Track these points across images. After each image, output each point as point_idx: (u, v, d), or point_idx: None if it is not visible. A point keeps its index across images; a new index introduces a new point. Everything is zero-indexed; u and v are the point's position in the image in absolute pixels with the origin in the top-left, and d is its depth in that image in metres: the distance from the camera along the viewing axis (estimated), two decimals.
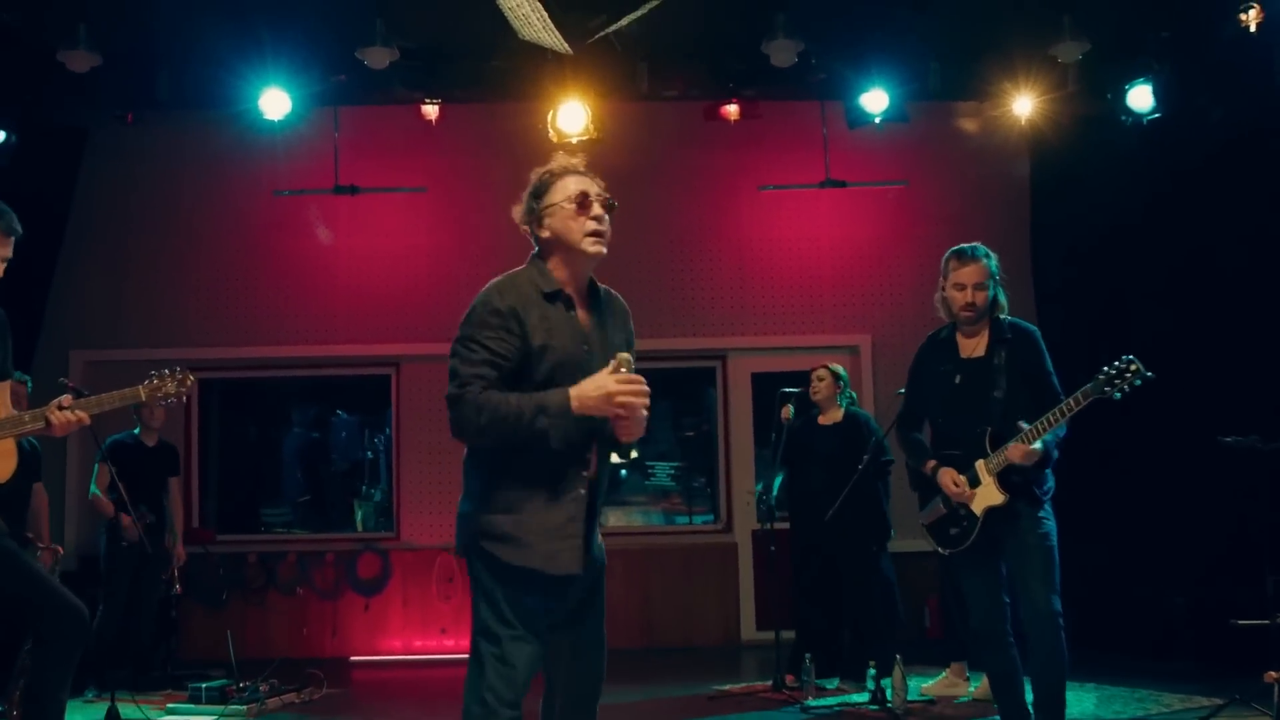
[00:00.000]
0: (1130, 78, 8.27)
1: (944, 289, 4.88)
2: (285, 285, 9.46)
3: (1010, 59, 8.31)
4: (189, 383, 4.67)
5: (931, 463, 4.79)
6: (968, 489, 4.67)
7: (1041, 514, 4.64)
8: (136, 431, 7.74)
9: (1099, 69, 8.24)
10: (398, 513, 9.57)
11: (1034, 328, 4.89)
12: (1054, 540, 4.61)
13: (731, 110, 8.71)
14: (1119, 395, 4.38)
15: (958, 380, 4.79)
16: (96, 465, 7.60)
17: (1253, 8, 7.43)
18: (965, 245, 4.90)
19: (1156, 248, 8.42)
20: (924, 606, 9.09)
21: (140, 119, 8.56)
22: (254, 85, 7.97)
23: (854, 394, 7.72)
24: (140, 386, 4.61)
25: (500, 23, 7.02)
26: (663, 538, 9.70)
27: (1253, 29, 7.46)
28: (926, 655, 7.71)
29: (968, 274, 4.77)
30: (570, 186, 3.27)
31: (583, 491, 3.19)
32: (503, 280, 3.24)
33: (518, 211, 3.35)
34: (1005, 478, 4.62)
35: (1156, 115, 8.29)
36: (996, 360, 4.75)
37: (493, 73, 8.25)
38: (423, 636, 9.34)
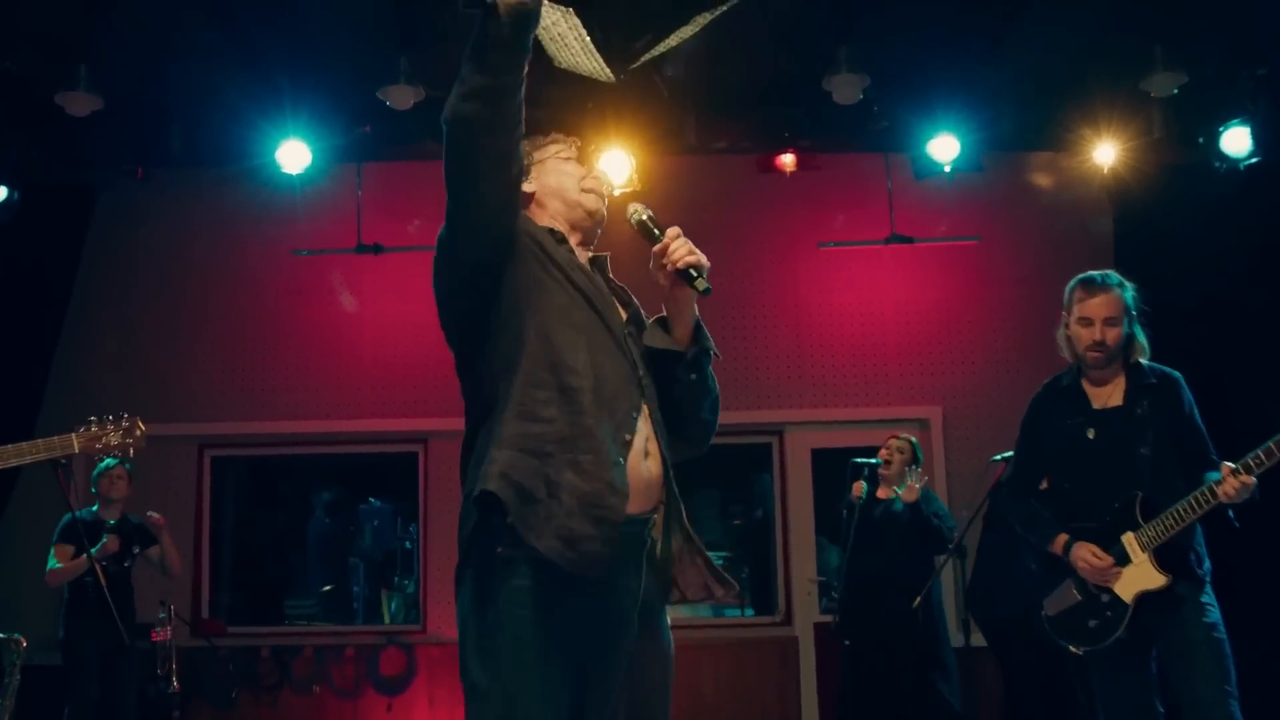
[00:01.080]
0: (1224, 120, 7.58)
1: (1067, 324, 4.13)
2: (305, 354, 8.76)
3: (1091, 102, 7.66)
4: (139, 432, 3.94)
5: (1062, 537, 3.96)
6: (1114, 567, 3.83)
7: (1205, 599, 3.80)
8: (95, 508, 6.99)
9: (1189, 111, 7.56)
10: (424, 604, 8.77)
11: (1177, 373, 4.08)
12: (1224, 632, 3.76)
13: (787, 161, 8.06)
14: None
15: (1091, 435, 3.99)
16: (53, 547, 6.84)
17: None
18: (1095, 272, 4.19)
19: (1258, 308, 7.64)
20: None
21: (150, 175, 8.04)
22: (272, 138, 7.47)
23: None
24: (73, 434, 3.87)
25: (536, 66, 6.43)
26: (714, 631, 8.82)
27: None
28: None
29: (1097, 306, 4.02)
30: (562, 144, 3.05)
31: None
32: None
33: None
34: (1163, 554, 3.78)
35: (1254, 160, 7.56)
36: (1139, 410, 3.95)
37: (529, 121, 7.61)
38: None
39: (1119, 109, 7.60)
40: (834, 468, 7.51)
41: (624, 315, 2.82)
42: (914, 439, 6.90)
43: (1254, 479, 3.66)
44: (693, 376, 2.80)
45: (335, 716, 8.51)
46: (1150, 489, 3.84)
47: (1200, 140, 7.77)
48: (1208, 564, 3.87)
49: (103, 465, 7.02)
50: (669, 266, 2.70)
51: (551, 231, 2.84)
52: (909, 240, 8.54)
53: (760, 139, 8.07)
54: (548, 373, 2.60)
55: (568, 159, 3.00)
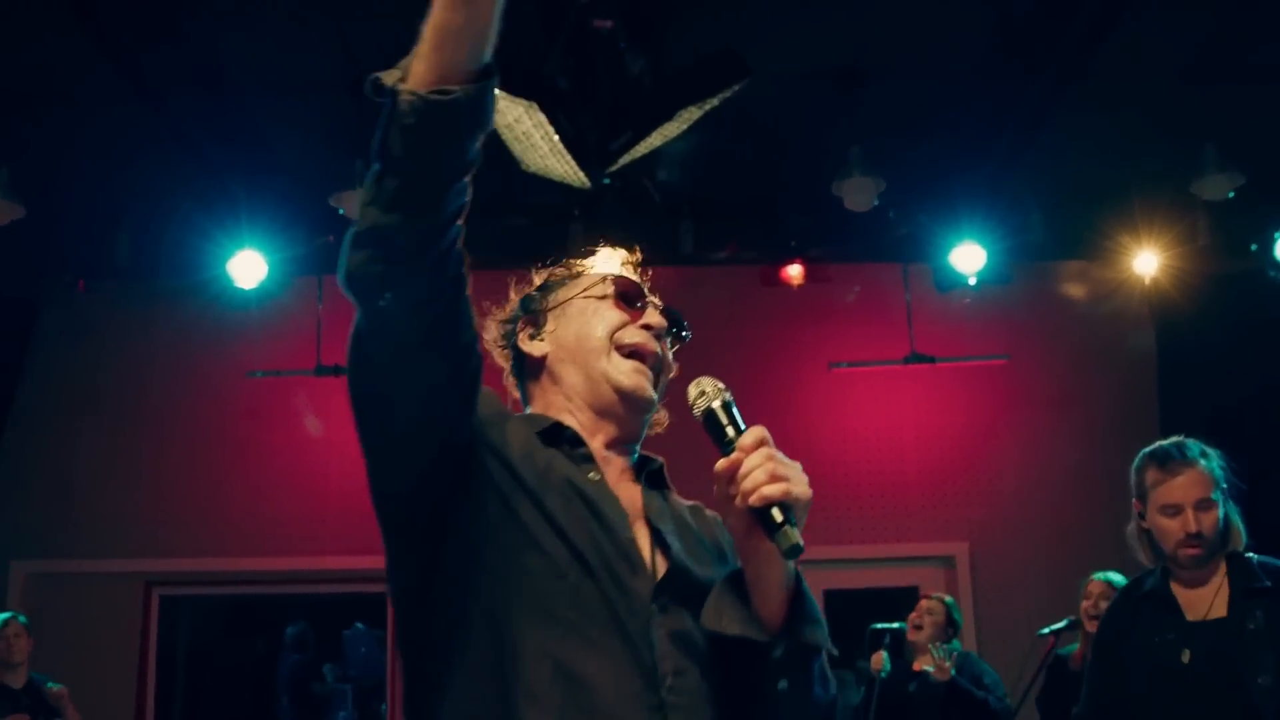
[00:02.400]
0: (1278, 224, 6.87)
1: (1143, 516, 3.26)
2: (265, 483, 7.95)
3: (1130, 207, 6.98)
4: None
5: None
6: None
7: None
8: None
9: (1239, 216, 6.88)
10: None
11: None
12: None
13: (794, 273, 7.34)
14: None
15: (1186, 658, 3.07)
16: None
17: None
18: (1165, 444, 3.28)
19: None
20: None
21: (95, 288, 7.36)
22: (225, 248, 6.84)
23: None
24: None
25: (511, 172, 5.79)
26: None
27: None
28: None
29: (1183, 488, 3.16)
30: (601, 268, 2.04)
31: None
32: None
33: (493, 324, 2.04)
34: None
35: None
36: (1251, 623, 3.03)
37: (508, 232, 6.97)
38: None
39: (1161, 214, 6.98)
40: (850, 611, 6.68)
41: (662, 570, 1.74)
42: (950, 598, 6.04)
43: None
44: (783, 684, 1.69)
45: None
46: None
47: (1253, 247, 7.07)
48: None
49: None
50: (739, 499, 1.65)
51: (553, 429, 1.86)
52: (930, 359, 7.73)
53: (764, 248, 7.41)
54: (493, 697, 1.62)
55: (604, 297, 1.96)
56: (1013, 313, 7.77)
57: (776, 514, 1.62)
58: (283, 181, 6.72)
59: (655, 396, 1.93)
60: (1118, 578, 5.54)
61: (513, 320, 2.03)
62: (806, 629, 1.71)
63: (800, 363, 8.13)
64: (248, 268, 6.81)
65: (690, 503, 2.01)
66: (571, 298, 1.98)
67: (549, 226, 6.77)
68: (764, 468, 1.64)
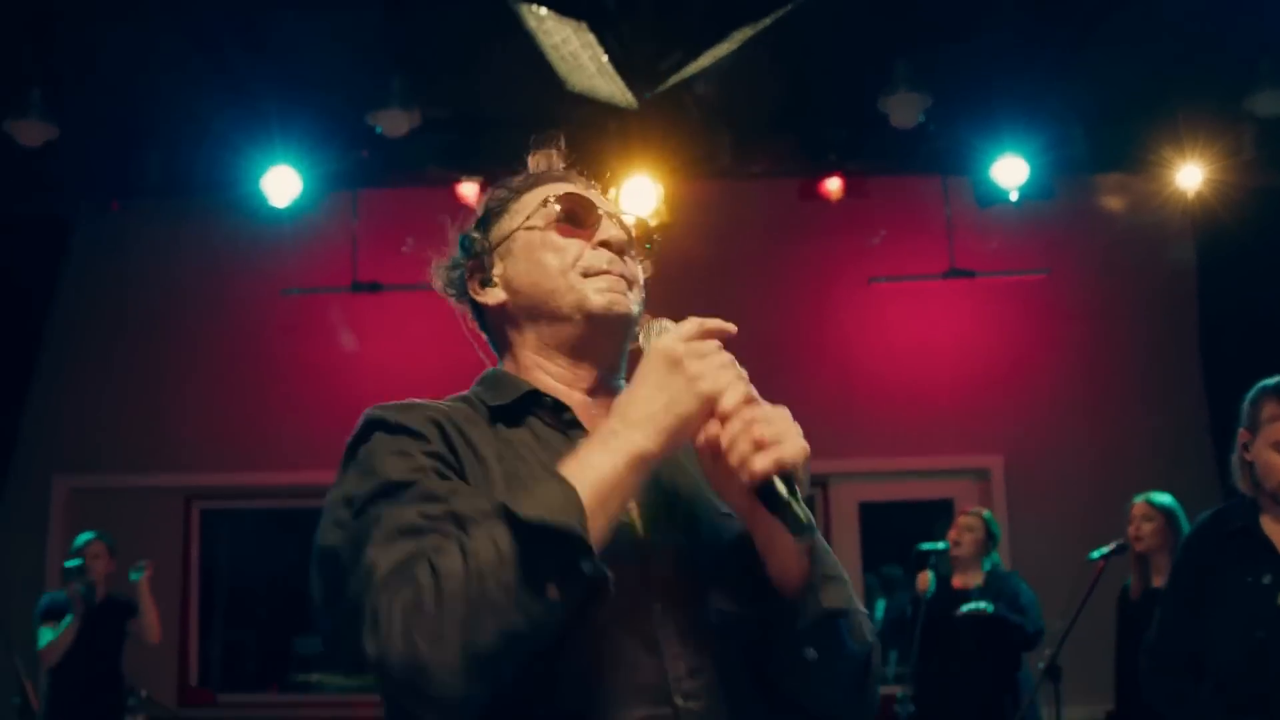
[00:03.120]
0: None
1: (1247, 448, 3.19)
2: (301, 399, 7.95)
3: (1174, 119, 6.81)
4: None
5: None
6: None
7: None
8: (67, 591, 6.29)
9: None
10: None
11: None
12: None
13: (833, 187, 7.20)
14: None
15: None
16: (39, 628, 6.17)
17: None
18: None
19: None
20: None
21: (128, 206, 7.30)
22: (258, 165, 6.70)
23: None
24: None
25: (551, 83, 5.69)
26: None
27: None
28: None
29: None
30: (540, 186, 1.79)
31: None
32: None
33: (438, 271, 1.90)
34: None
35: None
36: None
37: (544, 143, 6.86)
38: None
39: (1205, 127, 6.77)
40: (884, 522, 6.68)
41: (661, 548, 1.55)
42: (987, 512, 6.03)
43: None
44: (810, 654, 1.52)
45: None
46: None
47: None
48: None
49: (80, 541, 6.34)
50: (737, 475, 1.44)
51: (526, 400, 1.66)
52: (970, 274, 7.65)
53: (803, 161, 7.22)
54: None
55: (549, 225, 1.73)
56: (1052, 227, 7.65)
57: (779, 487, 1.41)
58: (316, 96, 6.59)
59: (634, 311, 1.69)
60: (1162, 498, 5.50)
61: (456, 266, 1.84)
62: (830, 589, 1.54)
63: (839, 277, 8.06)
64: (281, 184, 6.70)
65: None
66: (514, 231, 1.75)
67: (585, 142, 6.67)
68: (744, 436, 1.42)
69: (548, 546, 1.34)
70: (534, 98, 6.15)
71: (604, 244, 1.72)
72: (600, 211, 1.75)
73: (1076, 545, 5.81)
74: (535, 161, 1.88)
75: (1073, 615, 4.85)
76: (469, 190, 6.98)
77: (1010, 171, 6.83)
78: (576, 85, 5.01)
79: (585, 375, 1.70)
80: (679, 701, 1.45)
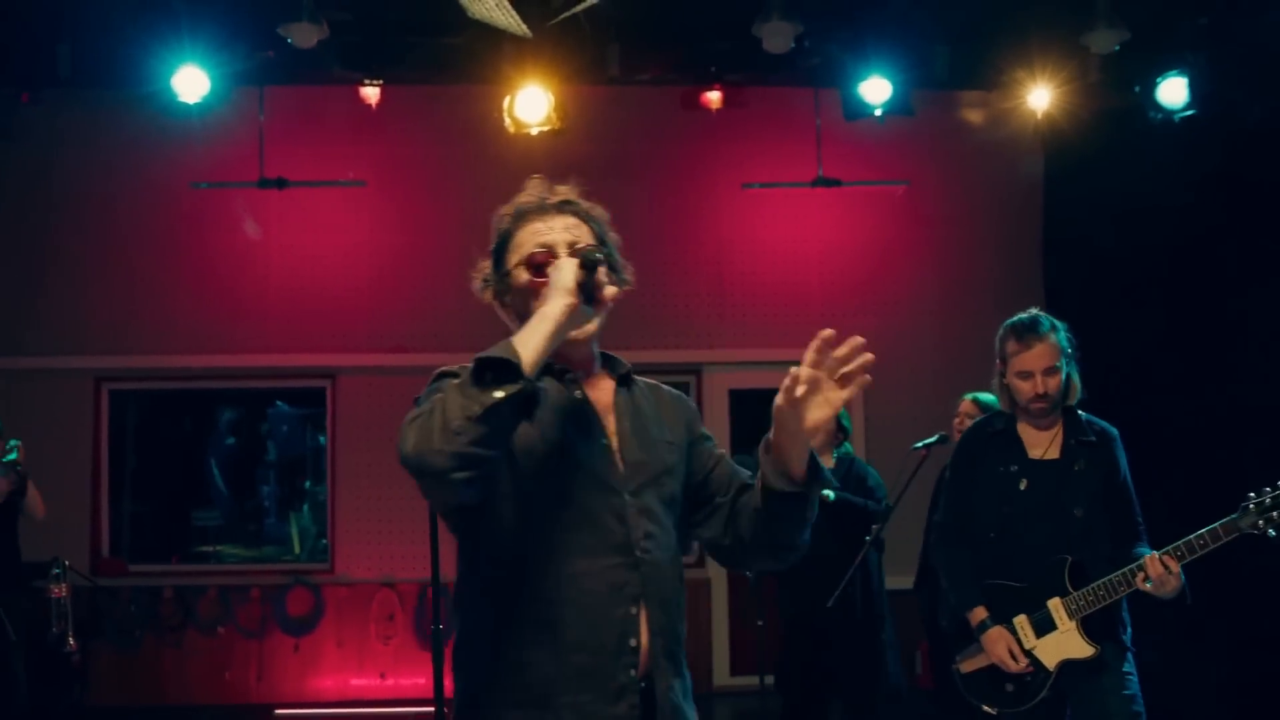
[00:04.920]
0: (1161, 69, 7.33)
1: (1002, 374, 3.90)
2: (208, 288, 8.37)
3: (1027, 44, 7.38)
4: None
5: (980, 611, 3.80)
6: (1024, 661, 3.71)
7: (1127, 668, 3.69)
8: None
9: (1126, 57, 7.27)
10: (332, 543, 8.55)
11: (1115, 430, 3.90)
12: (1141, 704, 3.66)
13: (713, 97, 7.74)
14: (1276, 532, 3.43)
15: (1024, 486, 3.80)
16: None
17: None
18: (1023, 316, 3.90)
19: (1187, 257, 7.52)
20: (915, 653, 8.17)
21: (39, 99, 7.49)
22: (168, 64, 6.92)
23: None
24: None
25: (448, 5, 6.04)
26: None
27: None
28: (920, 712, 6.84)
29: (1035, 358, 3.78)
30: (524, 242, 2.39)
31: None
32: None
33: (478, 280, 2.49)
34: (1090, 622, 3.66)
35: (1190, 112, 7.36)
36: (1077, 466, 3.77)
37: (443, 51, 7.23)
38: (360, 680, 8.34)
39: (1054, 52, 7.34)
40: (752, 409, 7.27)
41: (632, 459, 2.33)
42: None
43: (1179, 569, 3.50)
44: (806, 515, 2.33)
45: (241, 658, 8.34)
46: (1081, 553, 3.70)
47: (1136, 89, 7.54)
48: (1130, 630, 3.76)
49: None
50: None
51: (545, 368, 2.28)
52: (837, 183, 8.28)
53: (686, 72, 7.71)
54: (512, 583, 2.24)
55: (529, 272, 2.38)
56: (914, 140, 8.27)
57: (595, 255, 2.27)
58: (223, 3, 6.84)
59: (591, 328, 2.33)
60: (986, 396, 6.19)
61: (487, 283, 2.47)
62: (821, 483, 2.31)
63: (716, 181, 8.62)
64: (190, 82, 6.94)
65: (648, 381, 2.52)
66: (511, 269, 2.37)
67: (483, 48, 7.03)
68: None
69: (494, 367, 2.05)
70: (437, 6, 6.49)
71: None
72: (559, 247, 2.35)
73: (926, 434, 6.48)
74: (531, 187, 2.46)
75: (898, 493, 5.54)
76: (372, 93, 7.35)
77: (876, 89, 7.37)
78: (475, 13, 5.42)
79: (568, 359, 2.36)
80: (638, 554, 2.24)
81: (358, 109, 7.43)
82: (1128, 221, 7.76)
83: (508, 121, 6.99)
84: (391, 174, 8.39)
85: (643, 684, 2.21)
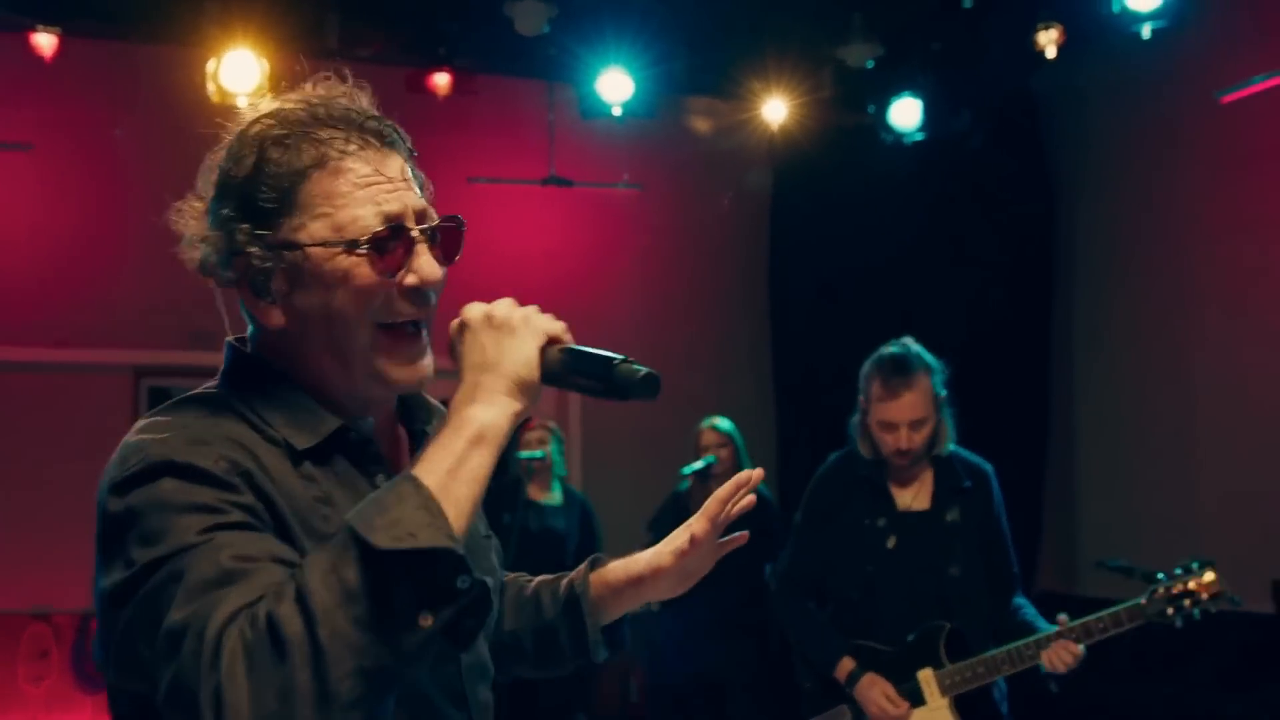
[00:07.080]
0: (895, 90, 7.31)
1: (865, 415, 3.47)
2: None
3: (764, 53, 7.21)
4: None
5: (848, 663, 3.36)
6: (905, 705, 3.29)
7: None
8: None
9: (862, 75, 7.21)
10: None
11: (989, 466, 3.53)
12: None
13: (441, 82, 7.09)
14: (1183, 622, 3.14)
15: (892, 544, 3.38)
16: None
17: (1054, 27, 6.56)
18: (893, 351, 3.44)
19: (910, 278, 7.59)
20: (629, 680, 7.82)
21: None
22: None
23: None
24: None
25: None
26: None
27: (1051, 53, 6.59)
28: None
29: (901, 409, 3.35)
30: (345, 200, 1.47)
31: None
32: (175, 420, 1.40)
33: (192, 225, 1.50)
34: (963, 700, 3.29)
35: (921, 136, 7.37)
36: (949, 516, 3.38)
37: (137, 4, 6.34)
38: None
39: (790, 64, 7.21)
40: None
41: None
42: (554, 425, 6.26)
43: (1081, 650, 3.17)
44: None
45: None
46: (959, 618, 3.33)
47: (870, 109, 7.52)
48: (1007, 702, 3.45)
49: None
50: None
51: (334, 439, 1.51)
52: (568, 183, 7.82)
53: (413, 53, 7.07)
54: None
55: (356, 254, 1.47)
56: (649, 144, 7.90)
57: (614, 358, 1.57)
58: None
59: (431, 370, 1.57)
60: (725, 424, 5.97)
61: (216, 249, 1.48)
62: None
63: (438, 173, 7.88)
64: None
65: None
66: (306, 246, 1.45)
67: (183, 14, 6.22)
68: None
69: (414, 571, 1.23)
70: None
71: (419, 288, 1.52)
72: (416, 242, 1.54)
73: (645, 458, 6.16)
74: (313, 90, 1.58)
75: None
76: (45, 44, 6.33)
77: (614, 86, 6.99)
78: None
79: (374, 411, 1.58)
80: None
81: (26, 61, 6.36)
82: (853, 240, 7.75)
83: (211, 88, 6.18)
84: (64, 140, 7.20)
85: None
